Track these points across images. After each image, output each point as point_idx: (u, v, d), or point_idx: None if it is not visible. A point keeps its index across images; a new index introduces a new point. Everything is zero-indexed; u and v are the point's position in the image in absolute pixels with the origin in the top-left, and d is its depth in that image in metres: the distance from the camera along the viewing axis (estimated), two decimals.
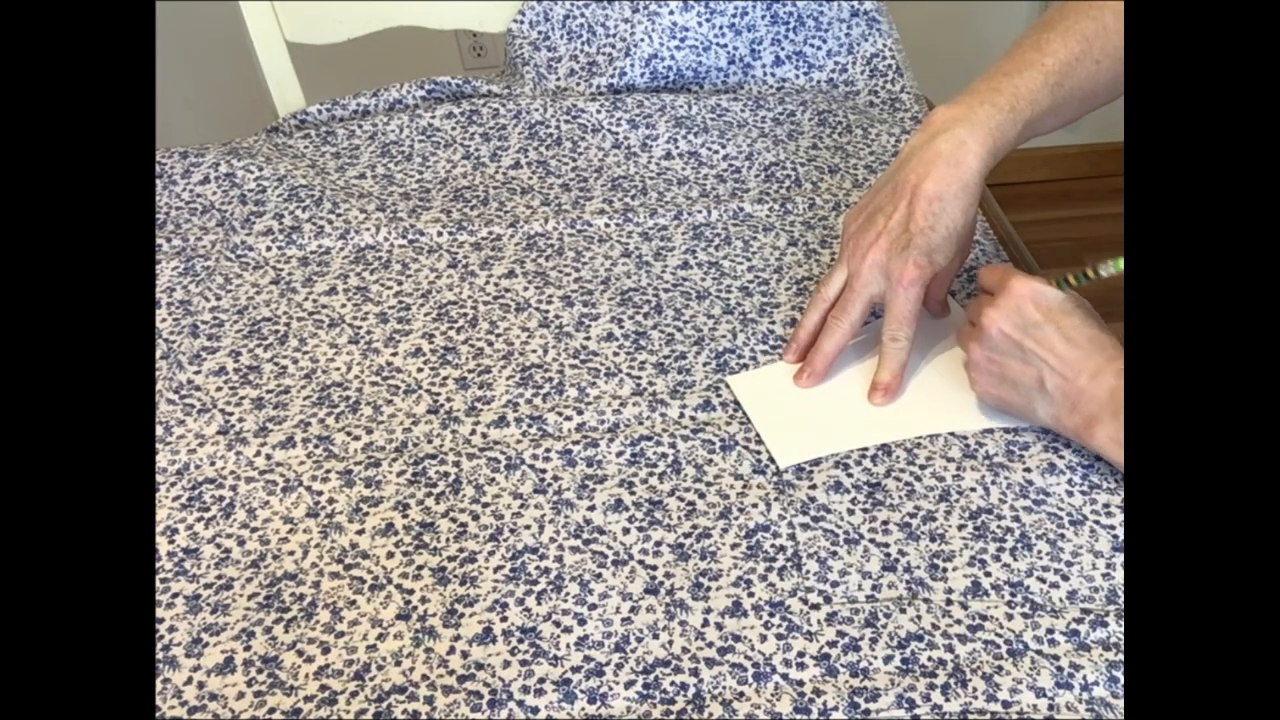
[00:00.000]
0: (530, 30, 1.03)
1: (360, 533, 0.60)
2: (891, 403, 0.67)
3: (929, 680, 0.52)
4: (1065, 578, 0.56)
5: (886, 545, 0.58)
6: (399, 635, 0.55)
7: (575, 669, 0.53)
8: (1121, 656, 0.52)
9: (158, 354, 0.73)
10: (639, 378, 0.70)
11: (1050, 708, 0.51)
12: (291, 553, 0.59)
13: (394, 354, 0.72)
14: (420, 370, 0.71)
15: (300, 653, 0.54)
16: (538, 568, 0.58)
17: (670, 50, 0.97)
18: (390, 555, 0.59)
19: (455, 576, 0.58)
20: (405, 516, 0.61)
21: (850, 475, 0.62)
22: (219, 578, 0.58)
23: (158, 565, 0.59)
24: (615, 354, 0.71)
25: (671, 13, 0.96)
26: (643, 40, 0.97)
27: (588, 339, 0.73)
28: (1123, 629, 0.54)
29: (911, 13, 1.43)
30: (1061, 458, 0.62)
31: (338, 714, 0.52)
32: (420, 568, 0.58)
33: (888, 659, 0.53)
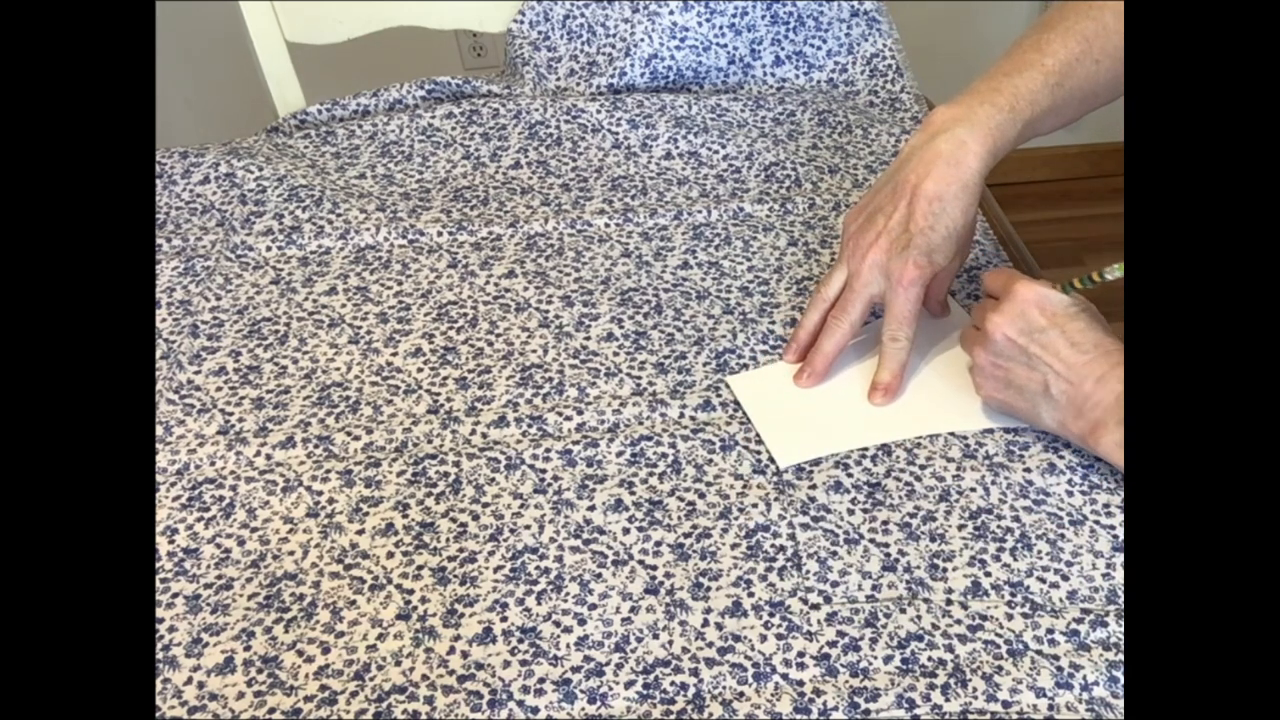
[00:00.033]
0: (530, 30, 1.03)
1: (360, 533, 0.60)
2: (891, 403, 0.67)
3: (929, 680, 0.52)
4: (1065, 578, 0.56)
5: (886, 545, 0.58)
6: (399, 635, 0.55)
7: (575, 669, 0.53)
8: (1121, 656, 0.52)
9: (158, 354, 0.73)
10: (639, 378, 0.70)
11: (1050, 708, 0.51)
12: (291, 553, 0.59)
13: (394, 354, 0.72)
14: (420, 370, 0.71)
15: (300, 653, 0.54)
16: (538, 568, 0.58)
17: (670, 50, 0.97)
18: (390, 555, 0.59)
19: (455, 576, 0.58)
20: (405, 516, 0.61)
21: (850, 475, 0.62)
22: (219, 578, 0.58)
23: (158, 565, 0.59)
24: (615, 354, 0.72)
25: (671, 13, 0.96)
26: (643, 40, 0.97)
27: (588, 339, 0.73)
28: (1123, 629, 0.54)
29: (911, 13, 1.43)
30: (1061, 458, 0.62)
31: (338, 714, 0.52)
32: (420, 568, 0.58)
33: (888, 659, 0.53)
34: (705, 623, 0.55)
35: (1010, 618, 0.55)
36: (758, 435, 0.65)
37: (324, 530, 0.61)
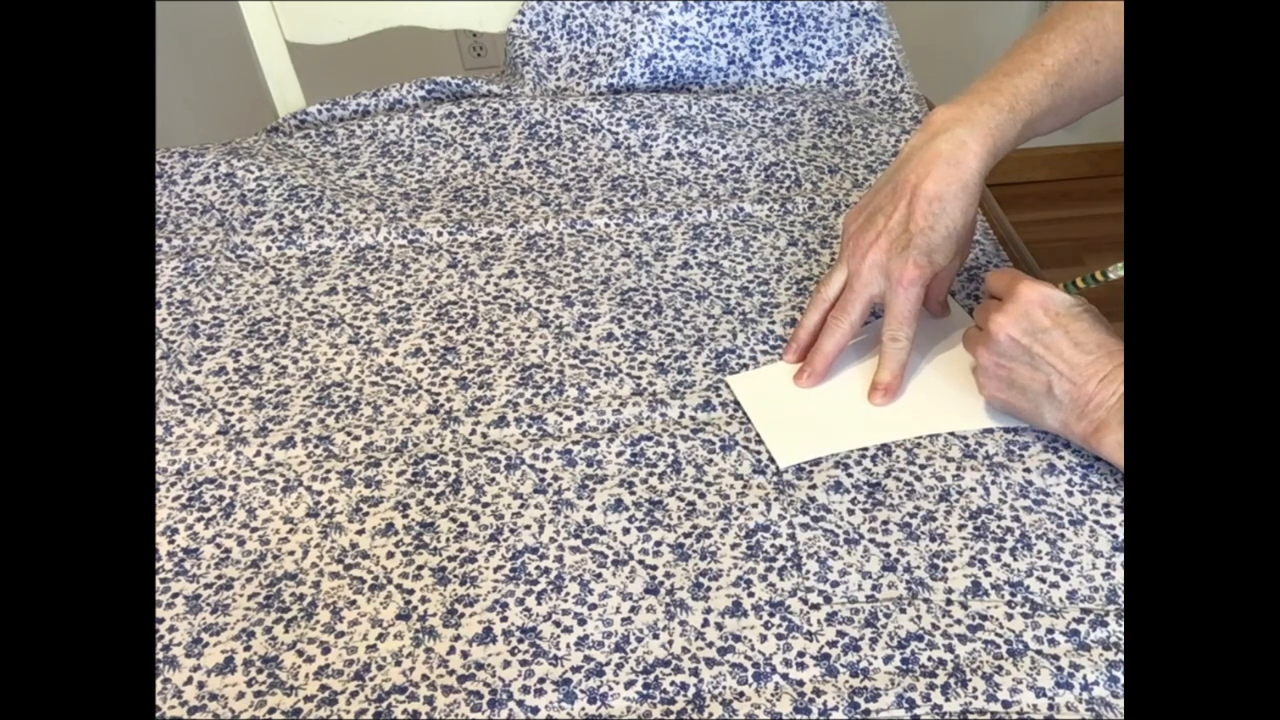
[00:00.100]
0: (530, 30, 1.03)
1: (360, 533, 0.60)
2: (891, 403, 0.67)
3: (929, 680, 0.52)
4: (1065, 577, 0.56)
5: (886, 545, 0.58)
6: (399, 635, 0.55)
7: (575, 669, 0.53)
8: (1121, 656, 0.52)
9: (158, 354, 0.73)
10: (639, 378, 0.70)
11: (1050, 707, 0.51)
12: (291, 553, 0.59)
13: (394, 354, 0.72)
14: (420, 370, 0.71)
15: (300, 653, 0.54)
16: (538, 568, 0.58)
17: (670, 50, 0.97)
18: (390, 555, 0.59)
19: (455, 576, 0.58)
20: (405, 516, 0.61)
21: (850, 475, 0.62)
22: (219, 578, 0.58)
23: (158, 565, 0.59)
24: (615, 354, 0.72)
25: (671, 13, 0.96)
26: (643, 40, 0.97)
27: (588, 339, 0.73)
28: (1123, 629, 0.54)
29: (911, 13, 1.43)
30: (1061, 458, 0.62)
31: (338, 714, 0.52)
32: (420, 568, 0.58)
33: (888, 659, 0.53)
34: (705, 623, 0.55)
35: (1010, 618, 0.55)
36: (758, 435, 0.65)
37: (324, 530, 0.61)
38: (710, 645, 0.54)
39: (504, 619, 0.55)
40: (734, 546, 0.59)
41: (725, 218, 0.84)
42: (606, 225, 0.84)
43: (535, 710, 0.52)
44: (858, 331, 0.68)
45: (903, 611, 0.55)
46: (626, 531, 0.60)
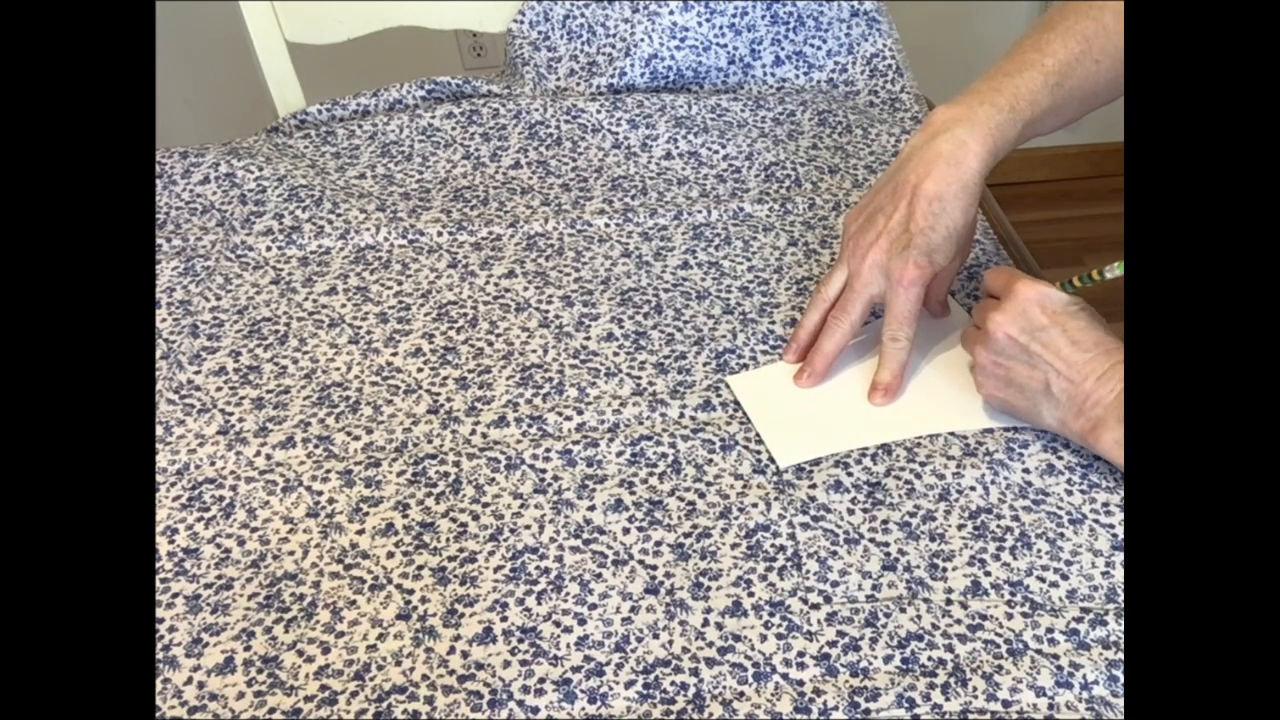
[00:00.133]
0: (530, 30, 1.03)
1: (360, 533, 0.60)
2: (891, 403, 0.67)
3: (929, 680, 0.52)
4: (1065, 577, 0.56)
5: (886, 545, 0.58)
6: (399, 635, 0.55)
7: (575, 669, 0.53)
8: (1121, 655, 0.52)
9: (158, 354, 0.73)
10: (639, 378, 0.70)
11: (1050, 707, 0.51)
12: (291, 553, 0.59)
13: (394, 354, 0.72)
14: (420, 370, 0.71)
15: (300, 653, 0.54)
16: (538, 568, 0.58)
17: (670, 50, 0.97)
18: (390, 555, 0.59)
19: (455, 576, 0.58)
20: (405, 516, 0.61)
21: (850, 475, 0.62)
22: (219, 578, 0.58)
23: (158, 565, 0.59)
24: (615, 354, 0.72)
25: (671, 13, 0.96)
26: (643, 40, 0.97)
27: (588, 339, 0.73)
28: (1122, 628, 0.54)
29: (911, 13, 1.43)
30: (1060, 458, 0.62)
31: (338, 714, 0.52)
32: (420, 568, 0.58)
33: (888, 659, 0.53)
34: (705, 622, 0.55)
35: (1010, 617, 0.55)
36: (758, 435, 0.65)
37: (324, 530, 0.61)
38: (710, 645, 0.54)
39: (504, 619, 0.55)
40: (734, 546, 0.59)
41: (725, 218, 0.84)
42: (606, 225, 0.84)
43: (535, 710, 0.52)
44: (858, 331, 0.68)
45: (903, 611, 0.55)
46: (626, 531, 0.60)
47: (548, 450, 0.64)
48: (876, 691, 0.51)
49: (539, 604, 0.56)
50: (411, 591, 0.57)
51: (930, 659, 0.53)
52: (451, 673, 0.53)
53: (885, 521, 0.60)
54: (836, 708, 0.51)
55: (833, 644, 0.54)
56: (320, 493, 0.63)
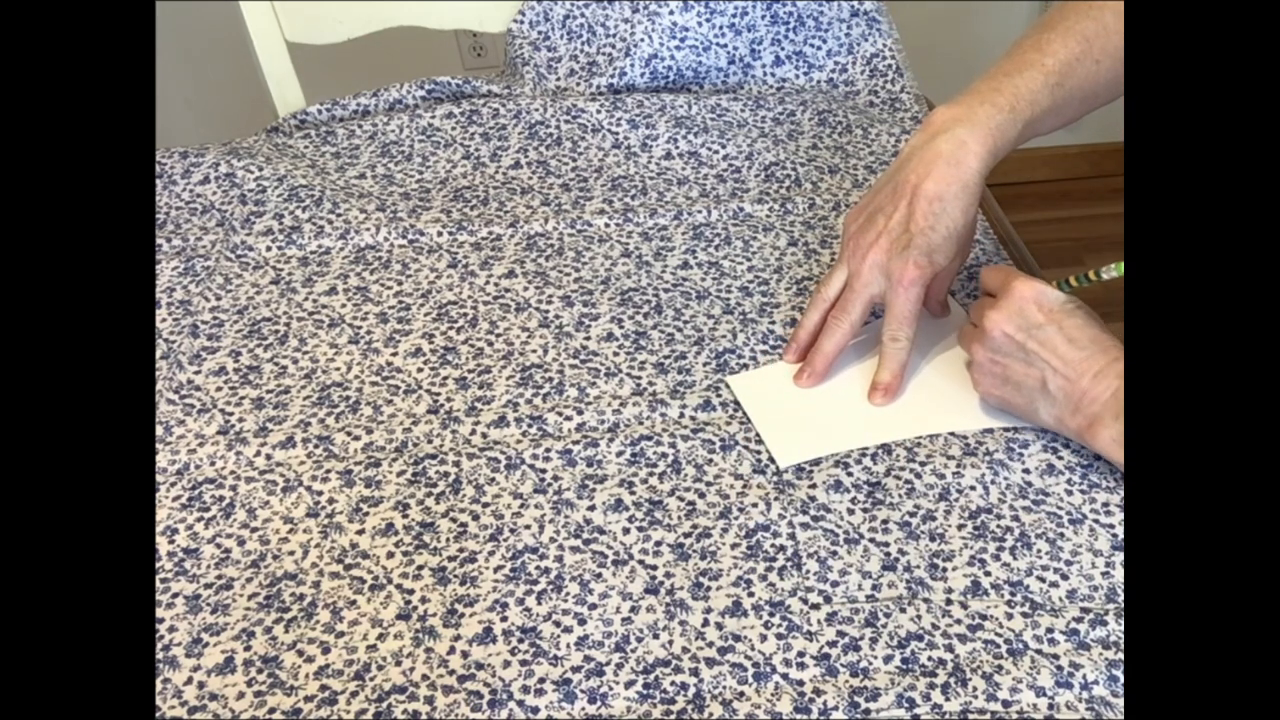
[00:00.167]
0: (530, 30, 1.03)
1: (360, 533, 0.60)
2: (891, 403, 0.67)
3: (929, 680, 0.52)
4: (1065, 577, 0.56)
5: (886, 545, 0.58)
6: (399, 635, 0.55)
7: (575, 669, 0.53)
8: (1121, 655, 0.52)
9: (158, 354, 0.73)
10: (639, 378, 0.70)
11: (1050, 707, 0.51)
12: (291, 553, 0.59)
13: (394, 354, 0.72)
14: (420, 370, 0.71)
15: (300, 653, 0.54)
16: (538, 568, 0.58)
17: (670, 50, 0.97)
18: (390, 555, 0.59)
19: (455, 576, 0.58)
20: (405, 516, 0.61)
21: (850, 474, 0.62)
22: (219, 578, 0.58)
23: (158, 565, 0.59)
24: (615, 354, 0.72)
25: (671, 13, 0.96)
26: (643, 40, 0.97)
27: (588, 339, 0.73)
28: (1122, 628, 0.54)
29: (911, 13, 1.43)
30: (1061, 458, 0.62)
31: (338, 714, 0.52)
32: (420, 568, 0.58)
33: (888, 659, 0.53)
34: (705, 622, 0.55)
35: (1010, 617, 0.55)
36: (758, 435, 0.65)
37: (324, 530, 0.61)
38: (710, 645, 0.54)
39: (504, 619, 0.55)
40: (734, 546, 0.59)
41: (725, 218, 0.84)
42: (606, 225, 0.84)
43: (535, 710, 0.52)
44: (858, 331, 0.68)
45: (903, 611, 0.55)
46: (626, 531, 0.60)
47: (548, 450, 0.64)
48: (876, 691, 0.51)
49: (539, 604, 0.56)
50: (411, 591, 0.57)
51: (930, 659, 0.53)
52: (451, 673, 0.53)
53: (885, 521, 0.60)
54: (836, 708, 0.51)
55: (833, 644, 0.54)
56: (320, 493, 0.63)
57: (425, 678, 0.53)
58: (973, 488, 0.61)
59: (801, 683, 0.52)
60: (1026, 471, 0.62)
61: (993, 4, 1.78)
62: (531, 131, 0.94)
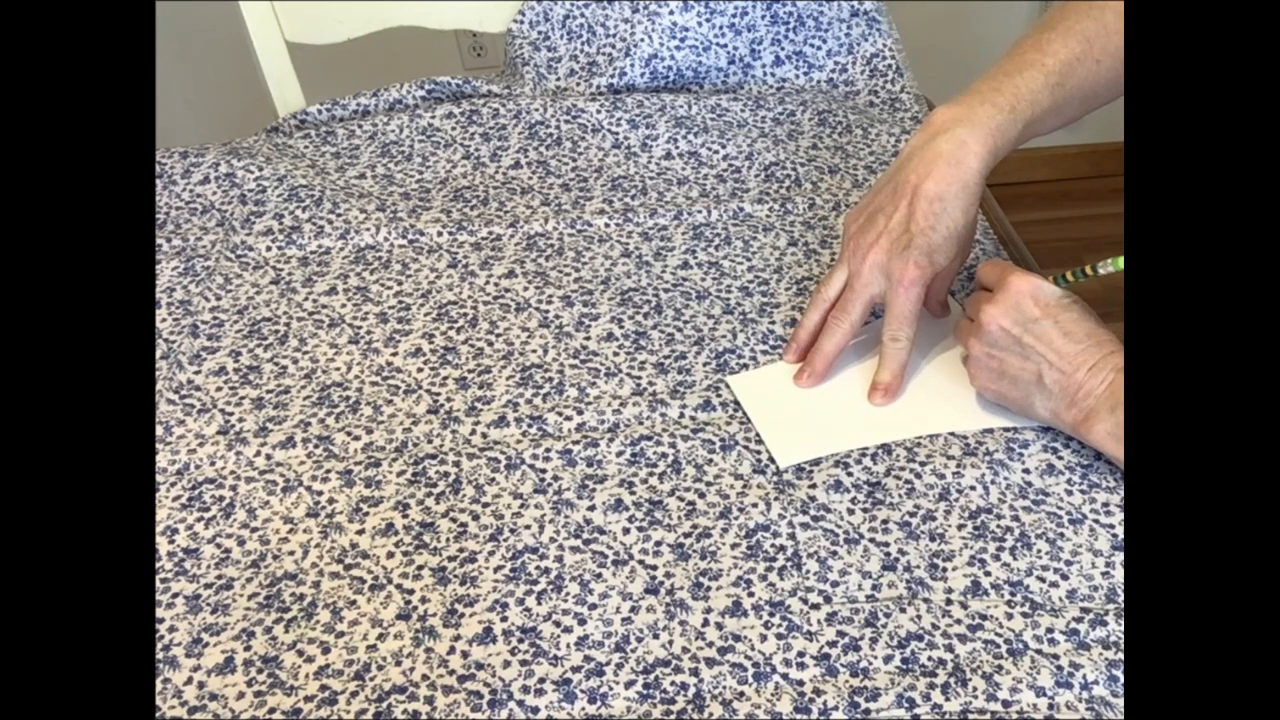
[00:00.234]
0: (530, 30, 1.03)
1: (360, 533, 0.60)
2: (891, 403, 0.67)
3: (929, 680, 0.52)
4: (1065, 577, 0.56)
5: (886, 545, 0.58)
6: (399, 635, 0.55)
7: (575, 669, 0.53)
8: (1121, 655, 0.52)
9: (158, 354, 0.73)
10: (639, 378, 0.70)
11: (1050, 707, 0.51)
12: (291, 553, 0.59)
13: (394, 354, 0.72)
14: (420, 370, 0.71)
15: (300, 653, 0.54)
16: (538, 568, 0.58)
17: (670, 50, 0.97)
18: (390, 555, 0.59)
19: (455, 576, 0.58)
20: (405, 516, 0.61)
21: (850, 474, 0.62)
22: (219, 578, 0.58)
23: (158, 565, 0.59)
24: (615, 354, 0.72)
25: (671, 13, 0.96)
26: (643, 40, 0.97)
27: (588, 339, 0.73)
28: (1122, 628, 0.54)
29: (911, 13, 1.43)
30: (1060, 458, 0.62)
31: (338, 714, 0.52)
32: (420, 568, 0.58)
33: (888, 659, 0.53)
34: (705, 622, 0.55)
35: (1010, 617, 0.55)
36: (758, 435, 0.65)
37: (324, 530, 0.61)
38: (710, 645, 0.54)
39: (504, 619, 0.55)
40: (734, 546, 0.59)
41: (725, 218, 0.84)
42: (606, 225, 0.84)
43: (535, 710, 0.52)
44: (858, 331, 0.68)
45: (903, 611, 0.55)
46: (626, 531, 0.60)
47: (548, 450, 0.64)
48: (876, 691, 0.51)
49: (539, 604, 0.56)
50: (411, 591, 0.57)
51: (930, 659, 0.53)
52: (451, 673, 0.53)
53: (885, 521, 0.60)
54: (836, 708, 0.51)
55: (833, 644, 0.54)
56: (320, 493, 0.63)
57: (425, 678, 0.53)
58: (973, 488, 0.61)
59: (801, 683, 0.52)
60: (1026, 471, 0.62)
61: (993, 4, 1.78)
62: (531, 131, 0.94)
